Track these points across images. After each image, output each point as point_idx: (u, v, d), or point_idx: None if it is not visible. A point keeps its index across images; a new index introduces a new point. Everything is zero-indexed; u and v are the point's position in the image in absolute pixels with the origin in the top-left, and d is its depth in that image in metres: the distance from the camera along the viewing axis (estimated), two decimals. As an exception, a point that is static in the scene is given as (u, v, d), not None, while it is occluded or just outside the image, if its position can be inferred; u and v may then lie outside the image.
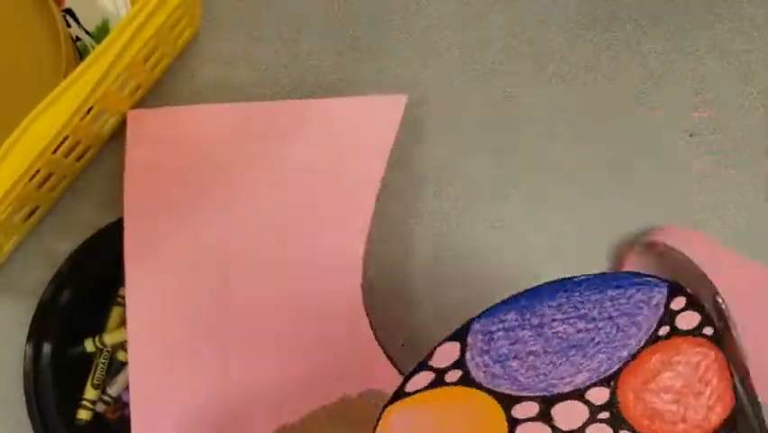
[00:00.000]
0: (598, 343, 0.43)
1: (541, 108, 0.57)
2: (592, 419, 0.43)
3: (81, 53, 0.52)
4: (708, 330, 0.42)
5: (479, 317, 0.42)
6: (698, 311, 0.42)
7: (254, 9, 0.56)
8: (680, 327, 0.42)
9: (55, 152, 0.45)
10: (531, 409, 0.43)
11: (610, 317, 0.43)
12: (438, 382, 0.42)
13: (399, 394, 0.42)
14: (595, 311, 0.43)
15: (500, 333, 0.43)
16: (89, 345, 0.50)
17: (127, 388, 0.51)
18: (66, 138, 0.45)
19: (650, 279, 0.43)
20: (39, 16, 0.48)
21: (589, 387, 0.43)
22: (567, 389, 0.43)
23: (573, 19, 0.57)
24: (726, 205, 0.56)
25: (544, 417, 0.43)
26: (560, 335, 0.43)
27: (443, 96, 0.56)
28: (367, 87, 0.56)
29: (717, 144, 0.57)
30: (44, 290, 0.48)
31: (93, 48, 0.51)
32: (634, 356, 0.43)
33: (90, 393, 0.50)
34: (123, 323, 0.52)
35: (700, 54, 0.57)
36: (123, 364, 0.51)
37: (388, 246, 0.54)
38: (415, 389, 0.42)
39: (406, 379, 0.42)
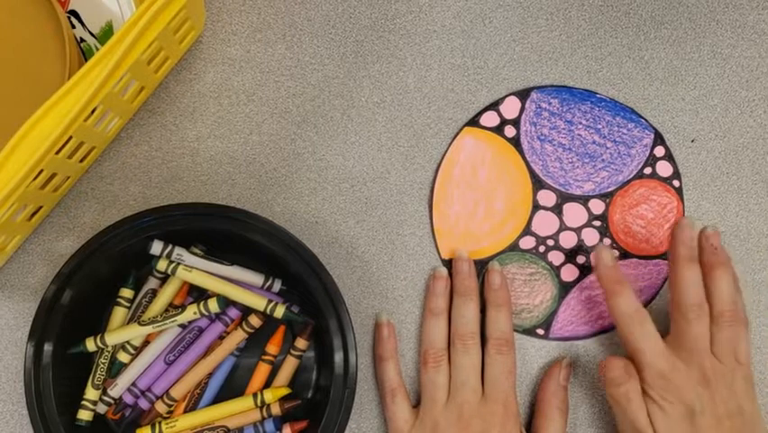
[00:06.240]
0: (604, 160, 0.55)
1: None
2: (588, 224, 0.55)
3: (85, 54, 0.52)
4: (676, 183, 0.56)
5: (537, 89, 0.55)
6: (671, 163, 0.55)
7: (258, 12, 0.56)
8: (658, 172, 0.55)
9: (58, 152, 0.45)
10: (550, 199, 0.55)
11: (615, 141, 0.55)
12: (499, 130, 0.55)
13: (474, 121, 0.55)
14: (606, 130, 0.55)
15: (546, 113, 0.55)
16: (90, 345, 0.50)
17: (128, 390, 0.51)
18: (69, 139, 0.45)
19: (643, 119, 0.56)
20: (43, 17, 0.48)
21: (591, 197, 0.55)
22: (577, 192, 0.55)
23: (576, 24, 0.57)
24: (728, 210, 0.56)
25: (557, 210, 0.55)
26: (582, 138, 0.55)
27: (446, 99, 0.56)
28: (370, 91, 0.56)
29: (719, 150, 0.57)
30: (46, 289, 0.48)
31: (97, 49, 0.52)
32: (624, 184, 0.56)
33: (91, 393, 0.50)
34: (124, 323, 0.52)
35: (702, 60, 0.57)
36: (124, 365, 0.51)
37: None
38: (484, 124, 0.55)
39: (480, 112, 0.55)
